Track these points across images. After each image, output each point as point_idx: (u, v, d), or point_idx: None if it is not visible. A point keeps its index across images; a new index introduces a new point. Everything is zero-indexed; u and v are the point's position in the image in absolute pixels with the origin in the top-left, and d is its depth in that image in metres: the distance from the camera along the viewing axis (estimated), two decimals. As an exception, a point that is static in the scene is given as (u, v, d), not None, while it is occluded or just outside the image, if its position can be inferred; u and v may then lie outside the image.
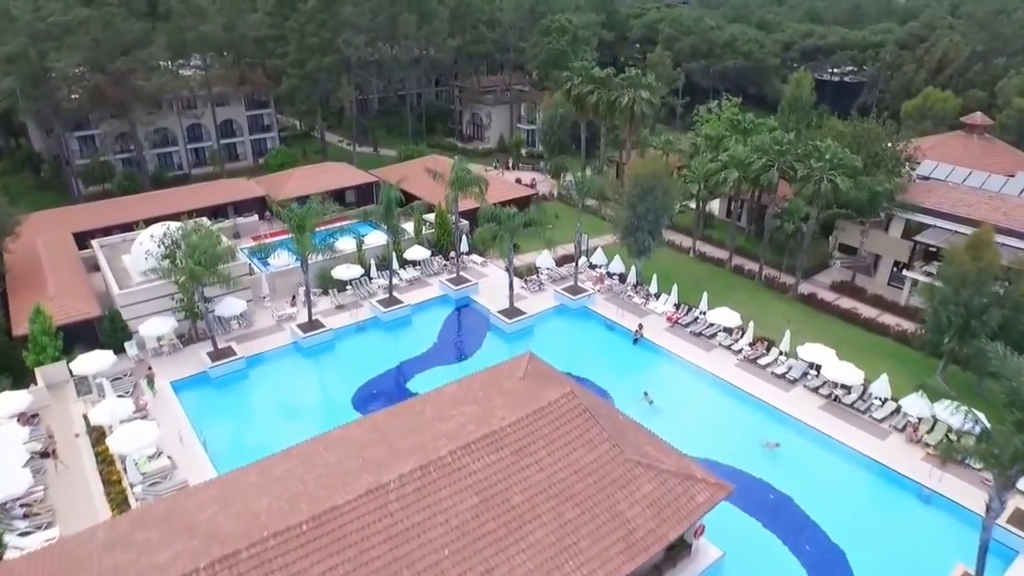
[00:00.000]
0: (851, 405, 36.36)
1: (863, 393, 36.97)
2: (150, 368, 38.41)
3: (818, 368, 38.75)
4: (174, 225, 41.38)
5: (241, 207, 59.74)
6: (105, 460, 30.33)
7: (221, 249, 37.25)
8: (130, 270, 43.39)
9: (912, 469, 31.62)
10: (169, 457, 31.04)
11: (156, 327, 39.78)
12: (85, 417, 33.18)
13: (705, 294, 45.33)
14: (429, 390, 30.65)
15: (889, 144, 50.35)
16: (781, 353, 40.78)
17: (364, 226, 51.49)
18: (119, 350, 39.58)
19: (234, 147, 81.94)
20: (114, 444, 29.37)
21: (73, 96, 63.71)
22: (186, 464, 30.89)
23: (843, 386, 37.14)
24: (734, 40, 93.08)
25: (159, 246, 39.24)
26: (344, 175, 64.37)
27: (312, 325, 42.11)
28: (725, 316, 42.46)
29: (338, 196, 62.81)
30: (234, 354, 39.37)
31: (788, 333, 40.86)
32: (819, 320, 47.01)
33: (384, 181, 64.40)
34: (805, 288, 50.87)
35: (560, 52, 79.04)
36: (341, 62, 74.50)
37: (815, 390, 37.78)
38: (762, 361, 40.38)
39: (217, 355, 39.11)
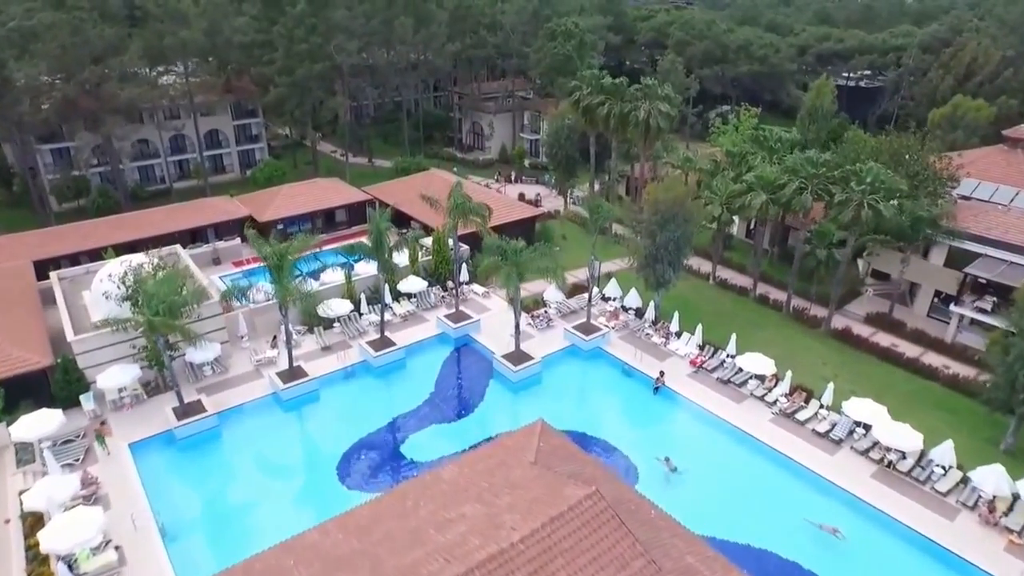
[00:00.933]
0: (908, 473, 31.71)
1: (921, 458, 32.32)
2: (103, 423, 33.87)
3: (867, 427, 34.13)
4: (137, 260, 36.74)
5: (222, 229, 54.95)
6: (38, 557, 25.59)
7: (186, 295, 32.40)
8: (89, 310, 38.67)
9: (996, 564, 26.75)
10: (118, 548, 26.43)
11: (116, 378, 35.09)
12: (21, 496, 28.44)
13: (734, 336, 40.58)
14: (423, 472, 26.30)
15: (932, 161, 45.62)
16: (822, 406, 36.13)
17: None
18: (74, 403, 35.06)
19: (220, 159, 77.09)
20: (47, 541, 24.63)
21: (44, 106, 58.94)
22: (137, 559, 26.20)
23: (897, 450, 32.49)
24: (749, 44, 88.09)
25: (119, 287, 34.57)
26: (334, 193, 59.61)
27: (293, 374, 37.40)
28: (757, 363, 37.76)
29: (328, 216, 58.40)
30: (203, 410, 34.62)
31: (831, 386, 36.16)
32: (857, 361, 42.37)
33: (377, 199, 60.09)
34: (837, 321, 46.25)
35: (566, 57, 74.17)
36: (332, 69, 69.70)
37: (864, 453, 33.13)
38: (800, 415, 35.72)
39: (184, 411, 34.39)
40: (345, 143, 78.49)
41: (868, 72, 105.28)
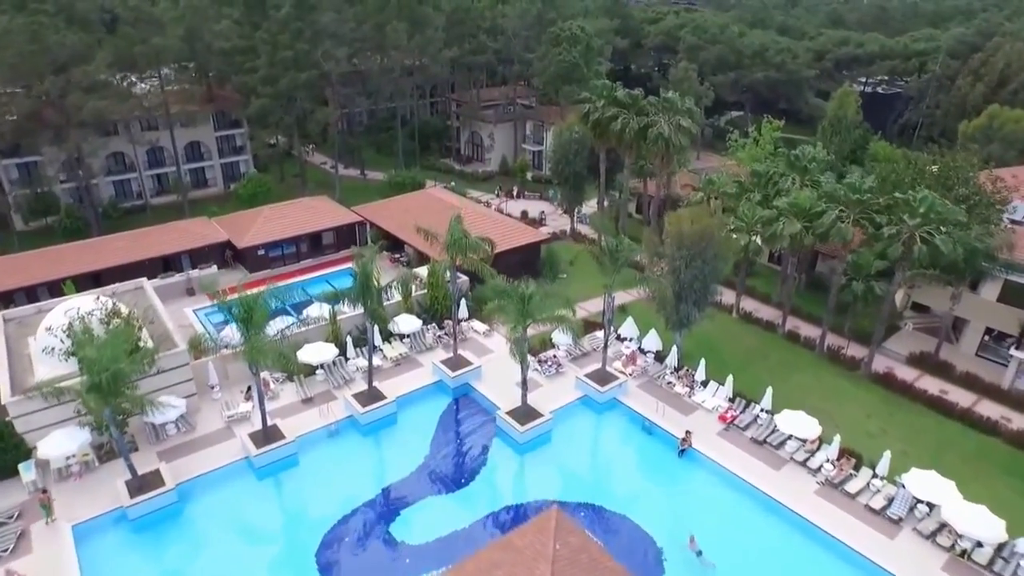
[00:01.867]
0: (988, 566, 26.99)
1: (1002, 548, 27.57)
2: (44, 491, 29.06)
3: (930, 505, 29.43)
4: (85, 307, 31.93)
5: (198, 256, 50.10)
6: None
7: (136, 357, 27.51)
8: (34, 362, 33.76)
9: None
10: None
11: (61, 445, 30.27)
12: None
13: (770, 390, 35.82)
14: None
15: (983, 182, 40.86)
16: (875, 475, 31.39)
17: (344, 275, 42.35)
18: (12, 473, 30.28)
19: (202, 172, 72.09)
20: None
21: (8, 118, 54.02)
22: None
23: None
24: (764, 49, 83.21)
25: (62, 341, 29.78)
26: (322, 213, 54.72)
27: (268, 435, 32.53)
28: (799, 424, 32.95)
29: (314, 239, 53.61)
30: (162, 483, 29.70)
31: (888, 454, 31.39)
32: (904, 411, 37.70)
33: (368, 221, 55.42)
34: (878, 362, 41.52)
35: (572, 64, 69.28)
36: (320, 77, 64.75)
37: (931, 537, 28.39)
38: (850, 486, 30.98)
39: (138, 486, 29.53)
40: (335, 154, 73.58)
41: (885, 78, 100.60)
